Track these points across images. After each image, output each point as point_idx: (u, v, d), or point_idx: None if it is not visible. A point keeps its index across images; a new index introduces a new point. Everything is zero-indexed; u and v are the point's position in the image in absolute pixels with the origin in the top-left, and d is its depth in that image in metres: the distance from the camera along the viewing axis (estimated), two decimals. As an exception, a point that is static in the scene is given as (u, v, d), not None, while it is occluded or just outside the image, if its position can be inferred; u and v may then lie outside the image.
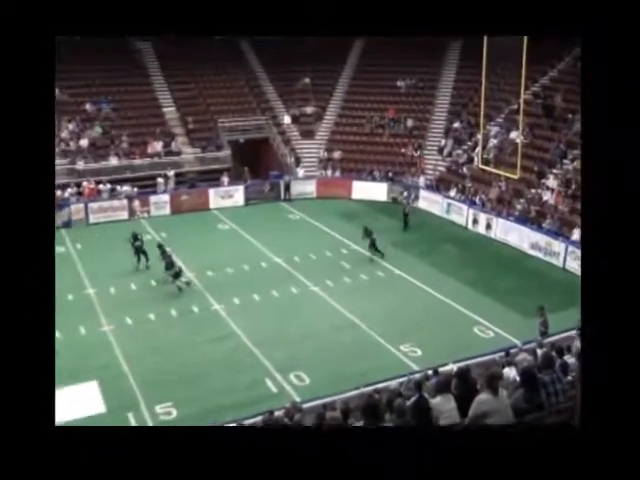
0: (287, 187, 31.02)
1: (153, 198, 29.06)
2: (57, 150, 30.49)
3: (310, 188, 31.37)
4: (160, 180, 29.69)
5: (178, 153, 31.86)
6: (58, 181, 28.75)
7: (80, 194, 28.45)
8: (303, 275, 21.50)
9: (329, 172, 32.44)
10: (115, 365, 16.30)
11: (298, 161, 33.00)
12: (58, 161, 29.93)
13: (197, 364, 16.22)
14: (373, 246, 22.62)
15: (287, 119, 34.72)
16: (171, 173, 30.43)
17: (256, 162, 32.85)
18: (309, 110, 35.17)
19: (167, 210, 29.10)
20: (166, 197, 29.32)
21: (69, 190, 28.35)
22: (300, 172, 32.14)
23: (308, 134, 34.25)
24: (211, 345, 17.20)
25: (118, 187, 28.76)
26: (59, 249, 23.91)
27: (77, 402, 13.39)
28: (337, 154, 33.06)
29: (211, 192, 29.89)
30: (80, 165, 29.78)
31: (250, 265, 22.56)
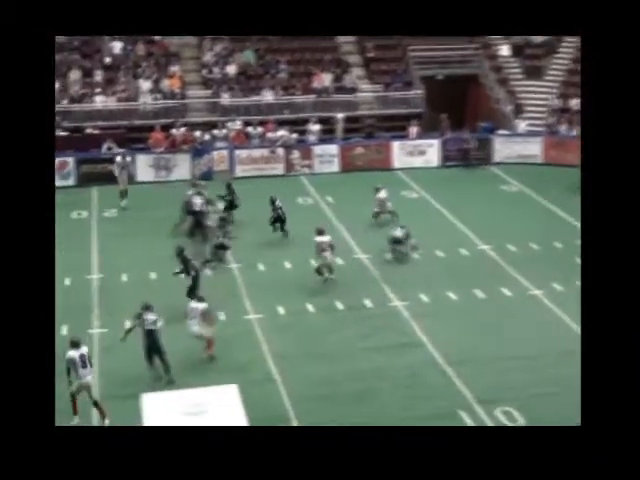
0: (498, 146, 29.88)
1: (317, 149, 29.15)
2: (197, 78, 31.54)
3: (534, 149, 29.84)
4: (314, 127, 29.48)
5: (352, 90, 31.68)
6: (196, 118, 29.76)
7: (225, 138, 29.18)
8: (520, 272, 20.54)
9: (563, 128, 30.64)
10: (261, 366, 16.37)
11: (519, 109, 31.66)
12: (198, 92, 30.94)
13: (366, 378, 15.90)
14: None
15: (506, 50, 33.47)
16: (341, 116, 30.33)
17: (459, 108, 32.01)
18: (538, 39, 33.46)
19: (335, 166, 29.10)
20: (334, 149, 29.28)
21: (214, 132, 29.03)
22: (521, 125, 30.82)
23: (535, 72, 32.84)
24: (386, 355, 16.79)
25: (270, 133, 29.11)
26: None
27: (211, 409, 13.44)
28: (574, 103, 30.95)
29: (395, 146, 29.41)
30: (225, 99, 30.60)
31: (445, 250, 22.00)
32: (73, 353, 14.43)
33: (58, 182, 26.67)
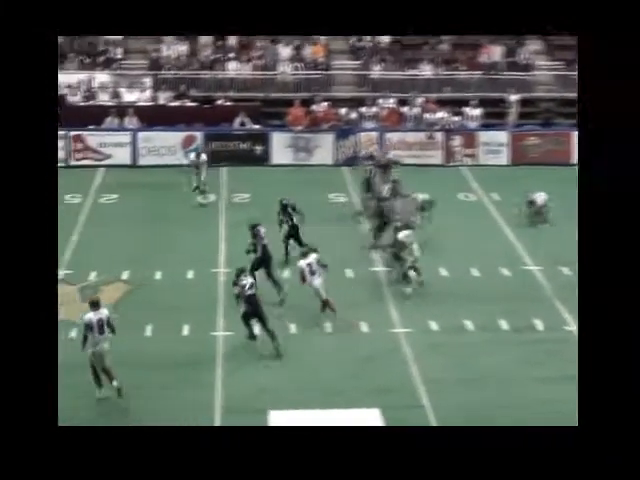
0: None
1: (483, 136, 28.92)
2: (344, 46, 31.85)
3: None
4: (474, 112, 29.27)
5: (527, 67, 31.31)
6: (341, 93, 30.19)
7: (374, 118, 29.44)
8: None
9: None
10: (407, 389, 16.43)
11: None
12: (344, 62, 31.36)
13: (526, 413, 15.67)
14: None
15: None
16: (514, 98, 29.99)
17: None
18: None
19: (503, 157, 28.89)
20: (504, 136, 29.02)
21: (362, 110, 29.32)
22: None
23: None
24: (554, 388, 16.43)
25: (428, 114, 29.15)
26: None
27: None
28: None
29: (577, 137, 28.99)
30: (376, 72, 30.85)
31: None
32: (91, 316, 15.33)
33: (183, 160, 27.86)
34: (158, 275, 19.87)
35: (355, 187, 26.22)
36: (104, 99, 30.32)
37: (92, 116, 29.04)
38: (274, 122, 29.31)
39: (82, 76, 30.16)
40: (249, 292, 17.36)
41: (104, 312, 15.60)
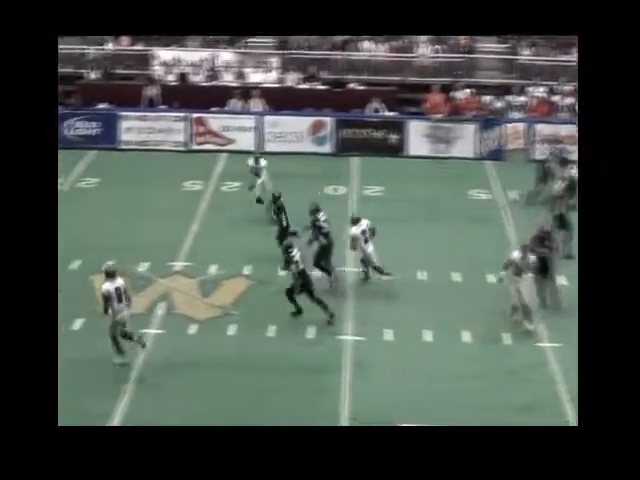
0: None
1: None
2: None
3: None
4: None
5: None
6: (486, 79, 29.48)
7: (523, 107, 28.67)
8: None
9: None
10: (553, 408, 15.79)
11: None
12: (490, 45, 30.60)
13: None
14: None
15: None
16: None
17: None
18: None
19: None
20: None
21: (508, 98, 28.66)
22: None
23: None
24: None
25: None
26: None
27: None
28: None
29: None
30: (525, 56, 30.10)
31: None
32: (108, 286, 16.15)
33: (311, 147, 27.78)
34: (283, 271, 19.59)
35: (497, 183, 25.59)
36: (228, 79, 30.35)
37: (215, 97, 29.05)
38: (410, 109, 28.87)
39: (205, 54, 30.19)
40: (301, 267, 18.07)
41: (120, 281, 16.35)
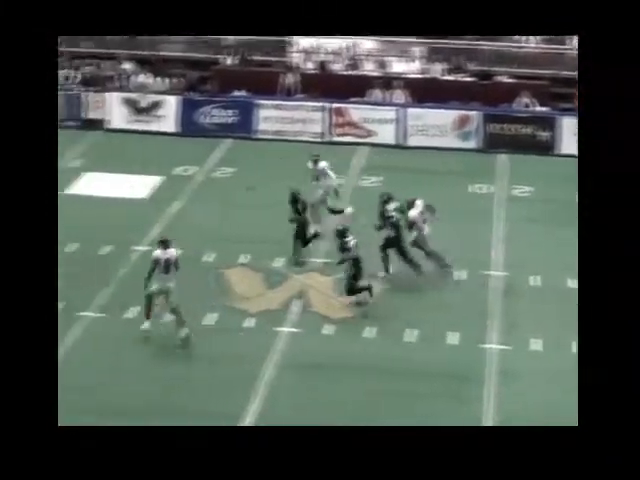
0: None
1: None
2: None
3: None
4: None
5: None
6: None
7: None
8: None
9: None
10: None
11: None
12: None
13: None
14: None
15: None
16: None
17: None
18: None
19: None
20: None
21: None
22: None
23: None
24: None
25: None
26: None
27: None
28: None
29: None
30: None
31: None
32: (159, 253, 17.20)
33: (455, 143, 27.52)
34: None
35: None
36: (369, 69, 30.37)
37: (355, 87, 29.11)
38: (564, 105, 28.18)
39: (346, 42, 30.24)
40: (355, 254, 18.47)
41: (172, 252, 17.26)
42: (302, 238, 20.55)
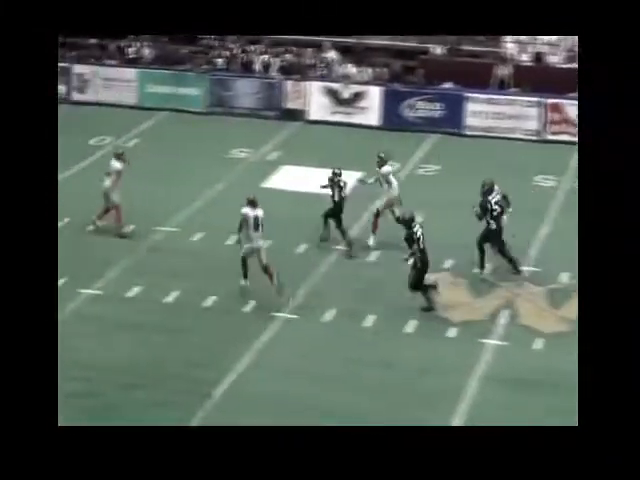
0: None
1: None
2: None
3: None
4: None
5: None
6: None
7: None
8: None
9: None
10: None
11: None
12: None
13: None
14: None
15: None
16: None
17: None
18: None
19: None
20: None
21: None
22: None
23: None
24: None
25: None
26: None
27: None
28: None
29: None
30: None
31: None
32: (248, 210, 18.72)
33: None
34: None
35: None
36: (589, 61, 29.73)
37: (573, 82, 28.43)
38: None
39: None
40: (422, 245, 18.37)
41: (260, 212, 18.71)
42: (338, 219, 21.06)
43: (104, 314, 18.46)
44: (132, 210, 21.55)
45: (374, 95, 29.22)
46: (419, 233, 18.29)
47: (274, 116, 29.79)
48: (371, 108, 29.17)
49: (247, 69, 31.08)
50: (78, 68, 31.59)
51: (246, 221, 18.59)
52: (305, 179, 24.72)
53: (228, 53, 31.50)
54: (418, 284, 18.45)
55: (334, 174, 21.01)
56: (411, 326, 18.08)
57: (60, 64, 31.10)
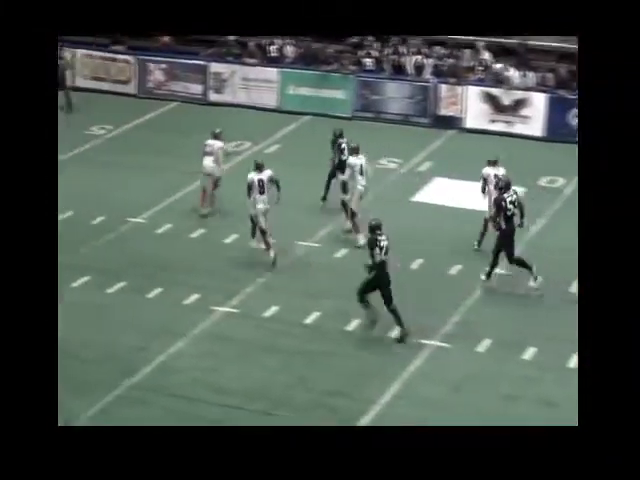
0: None
1: None
2: None
3: None
4: None
5: None
6: None
7: None
8: None
9: None
10: None
11: None
12: None
13: None
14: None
15: None
16: None
17: None
18: None
19: None
20: None
21: None
22: None
23: None
24: None
25: None
26: None
27: None
28: None
29: None
30: None
31: None
32: (253, 175, 21.21)
33: None
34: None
35: None
36: None
37: None
38: None
39: None
40: (384, 257, 18.23)
41: (266, 173, 21.26)
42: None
43: (239, 334, 18.74)
44: (278, 225, 21.71)
45: (538, 102, 28.95)
46: (383, 243, 18.20)
47: (426, 123, 29.81)
48: (534, 117, 28.92)
49: (398, 71, 31.10)
50: (215, 67, 32.14)
51: (250, 187, 20.99)
52: (460, 193, 24.66)
53: (377, 53, 31.56)
54: (361, 293, 18.47)
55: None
56: (575, 361, 17.80)
57: (197, 62, 32.15)
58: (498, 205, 20.07)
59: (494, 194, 20.77)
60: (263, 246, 21.18)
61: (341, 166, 23.24)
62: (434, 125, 29.78)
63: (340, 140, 23.92)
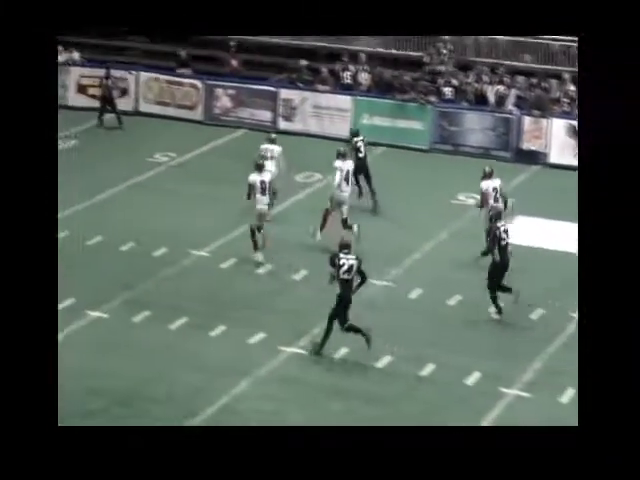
0: None
1: None
2: None
3: None
4: None
5: None
6: None
7: None
8: None
9: None
10: None
11: None
12: None
13: None
14: None
15: None
16: None
17: None
18: None
19: None
20: None
21: None
22: None
23: None
24: None
25: None
26: None
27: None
28: None
29: None
30: None
31: None
32: (254, 177, 22.36)
33: None
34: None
35: None
36: None
37: None
38: None
39: None
40: (346, 276, 18.70)
41: (267, 175, 22.53)
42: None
43: (306, 377, 18.70)
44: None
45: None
46: (346, 266, 18.67)
47: (508, 157, 29.64)
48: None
49: (479, 101, 31.01)
50: (286, 93, 32.28)
51: (252, 188, 22.21)
52: (542, 232, 24.55)
53: (457, 82, 31.49)
54: (342, 323, 18.90)
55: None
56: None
57: (266, 87, 32.28)
58: (493, 234, 20.48)
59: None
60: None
61: (357, 165, 25.04)
62: (516, 160, 29.64)
63: (356, 139, 25.79)
